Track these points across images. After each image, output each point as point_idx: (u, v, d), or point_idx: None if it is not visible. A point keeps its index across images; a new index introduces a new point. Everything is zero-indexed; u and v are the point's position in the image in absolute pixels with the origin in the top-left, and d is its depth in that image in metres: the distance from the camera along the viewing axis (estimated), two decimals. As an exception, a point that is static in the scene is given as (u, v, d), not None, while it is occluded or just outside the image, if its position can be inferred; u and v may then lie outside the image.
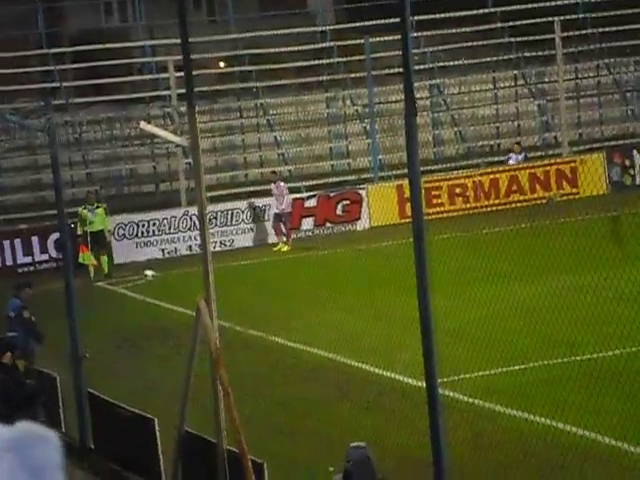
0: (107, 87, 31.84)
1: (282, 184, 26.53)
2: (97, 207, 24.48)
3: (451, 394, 12.08)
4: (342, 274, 21.12)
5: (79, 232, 23.99)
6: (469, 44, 33.99)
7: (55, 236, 23.99)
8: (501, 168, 29.04)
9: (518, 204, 27.95)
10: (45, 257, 25.19)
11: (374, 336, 15.79)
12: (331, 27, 34.96)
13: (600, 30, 34.12)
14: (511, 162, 28.98)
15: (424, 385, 7.78)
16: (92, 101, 31.35)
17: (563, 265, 18.80)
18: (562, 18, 30.73)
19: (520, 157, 29.16)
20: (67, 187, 27.36)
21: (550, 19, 30.74)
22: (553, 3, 34.27)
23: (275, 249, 25.57)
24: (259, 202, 26.90)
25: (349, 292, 19.02)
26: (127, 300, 21.58)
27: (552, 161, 29.39)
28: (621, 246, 14.87)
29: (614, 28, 34.19)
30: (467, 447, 10.87)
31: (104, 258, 24.20)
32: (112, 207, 26.10)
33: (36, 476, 1.27)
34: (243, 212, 26.83)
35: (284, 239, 25.85)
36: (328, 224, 27.15)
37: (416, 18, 31.67)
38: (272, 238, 26.50)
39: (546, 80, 33.88)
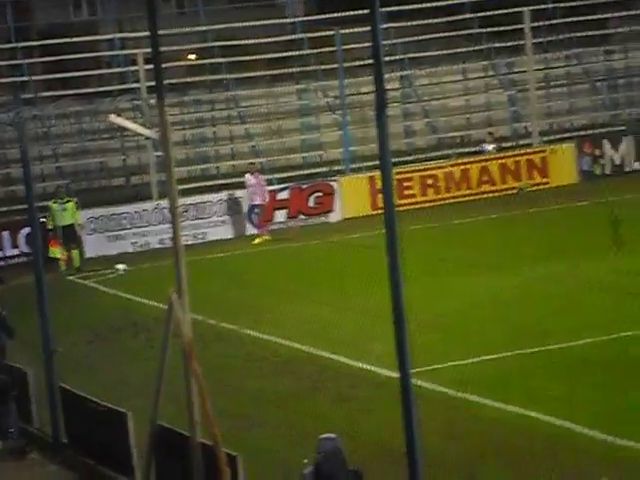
0: (76, 80, 31.66)
1: (260, 176, 26.53)
2: (67, 201, 24.35)
3: (424, 384, 12.10)
4: (315, 266, 21.12)
5: (49, 226, 23.86)
6: (439, 35, 34.04)
7: (26, 231, 23.84)
8: (472, 159, 29.13)
9: (489, 194, 28.06)
10: (16, 252, 25.04)
11: (347, 328, 15.81)
12: (301, 19, 34.92)
13: (569, 20, 34.26)
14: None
15: (397, 376, 7.78)
16: (61, 95, 31.15)
17: (534, 255, 18.89)
18: (531, 8, 30.82)
19: (490, 147, 29.28)
20: (37, 181, 27.22)
21: (519, 9, 30.83)
22: (522, -7, 34.38)
23: (257, 241, 25.49)
24: (236, 194, 26.81)
25: (322, 284, 19.03)
26: (99, 294, 21.49)
27: (522, 151, 29.51)
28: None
29: (583, 18, 34.34)
30: (440, 437, 10.90)
31: (75, 252, 24.09)
32: (83, 201, 25.96)
33: None
34: (215, 205, 26.77)
35: (266, 231, 25.84)
36: (301, 216, 27.14)
37: (386, 9, 31.67)
38: (247, 230, 26.44)
39: (516, 70, 33.99)
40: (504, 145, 30.44)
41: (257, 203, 26.04)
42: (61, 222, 24.01)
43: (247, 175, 26.38)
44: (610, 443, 10.60)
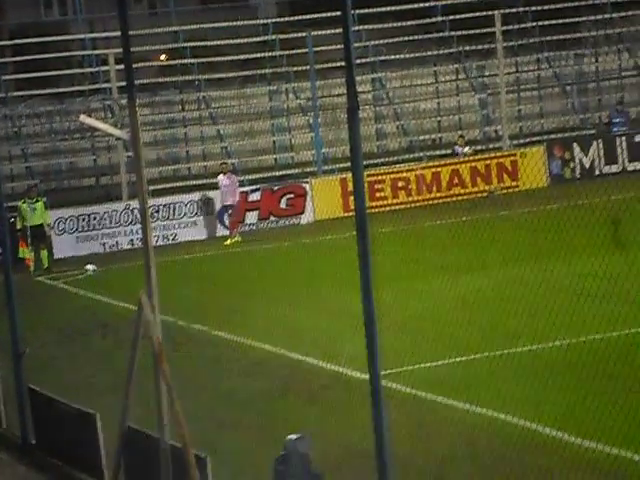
0: (47, 80, 31.49)
1: (234, 176, 26.52)
2: (36, 201, 24.23)
3: (394, 386, 12.13)
4: (286, 268, 21.12)
5: (18, 226, 23.72)
6: (410, 38, 34.14)
7: (-6, 231, 23.66)
8: (443, 162, 29.23)
9: (460, 197, 28.17)
10: (-16, 252, 24.85)
11: (318, 329, 15.82)
12: (273, 20, 34.91)
13: (540, 23, 34.46)
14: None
15: (367, 377, 7.80)
16: (32, 94, 30.98)
17: (504, 257, 18.98)
18: (502, 12, 30.98)
19: (465, 149, 29.36)
20: (6, 181, 27.05)
21: (490, 13, 30.98)
22: (494, -3, 34.53)
23: (228, 242, 25.49)
24: (209, 195, 26.77)
25: (293, 286, 19.03)
26: (68, 295, 21.39)
27: (493, 155, 29.64)
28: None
29: (554, 21, 34.54)
30: (410, 439, 10.93)
31: (44, 252, 23.97)
32: (52, 201, 25.85)
33: None
34: (186, 205, 26.71)
35: (237, 232, 25.84)
36: (272, 218, 27.13)
37: (357, 12, 31.74)
38: (217, 232, 26.42)
39: (487, 74, 34.15)
40: (474, 148, 30.56)
41: (229, 204, 26.03)
42: (30, 222, 23.89)
43: (220, 176, 26.35)
44: (578, 445, 10.67)
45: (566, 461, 10.44)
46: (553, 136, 32.40)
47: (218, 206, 26.47)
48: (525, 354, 13.64)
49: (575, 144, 30.04)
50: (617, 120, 31.10)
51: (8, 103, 30.02)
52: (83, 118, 11.80)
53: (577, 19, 35.45)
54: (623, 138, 30.22)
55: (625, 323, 14.04)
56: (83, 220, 25.78)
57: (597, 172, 29.81)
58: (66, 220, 25.57)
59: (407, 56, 33.85)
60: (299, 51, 31.82)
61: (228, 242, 25.49)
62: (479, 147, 31.17)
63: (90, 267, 23.29)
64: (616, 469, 10.22)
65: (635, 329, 13.86)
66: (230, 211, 26.02)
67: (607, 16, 35.05)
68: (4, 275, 12.56)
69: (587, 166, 29.79)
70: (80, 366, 15.43)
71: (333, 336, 15.27)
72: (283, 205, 27.27)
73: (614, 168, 29.85)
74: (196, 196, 26.87)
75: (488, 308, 16.12)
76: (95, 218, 25.87)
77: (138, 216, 23.29)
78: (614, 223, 15.00)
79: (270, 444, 10.81)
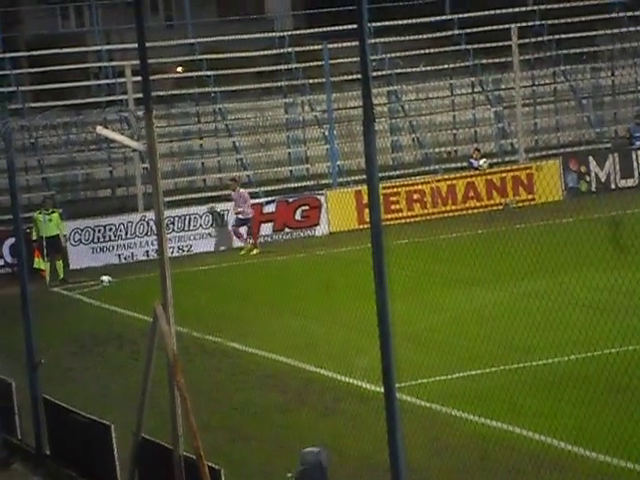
0: (64, 92, 31.63)
1: (242, 190, 26.58)
2: (52, 212, 24.32)
3: (409, 399, 12.11)
4: (301, 280, 21.13)
5: (34, 237, 23.81)
6: (427, 51, 34.16)
7: (10, 241, 23.78)
8: (458, 175, 29.21)
9: (475, 210, 28.12)
10: (0, 262, 24.97)
11: (333, 342, 15.80)
12: (289, 33, 34.99)
13: (556, 37, 34.43)
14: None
15: (382, 390, 7.79)
16: (48, 106, 31.10)
17: (520, 271, 18.93)
18: (518, 25, 30.97)
19: (480, 162, 29.31)
20: (23, 192, 27.16)
21: (507, 26, 30.97)
22: (510, 10, 34.53)
23: (242, 253, 25.58)
24: (219, 207, 26.84)
25: (308, 298, 19.02)
26: (83, 306, 21.43)
27: (508, 167, 29.60)
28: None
29: (570, 35, 34.52)
30: (424, 452, 10.90)
31: (59, 263, 24.04)
32: (68, 212, 25.93)
33: None
34: (201, 217, 26.76)
35: (250, 242, 25.89)
36: (287, 229, 27.15)
37: (374, 25, 31.78)
38: (231, 243, 26.48)
39: (503, 87, 34.12)
40: (490, 161, 30.54)
41: (240, 217, 26.09)
42: (46, 233, 23.97)
43: (232, 192, 26.60)
44: (593, 459, 10.62)
45: (581, 475, 10.39)
46: (569, 149, 32.34)
47: (231, 219, 26.54)
48: (540, 367, 13.59)
49: (591, 158, 29.98)
50: (638, 134, 31.03)
51: (25, 114, 30.14)
52: (100, 130, 11.84)
53: (593, 33, 35.41)
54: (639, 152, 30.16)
55: (641, 337, 13.98)
56: (99, 231, 25.86)
57: (613, 186, 29.73)
58: (82, 231, 25.65)
59: (423, 69, 33.86)
60: (315, 63, 31.87)
61: (255, 251, 25.60)
62: (495, 160, 31.13)
63: (105, 278, 23.34)
64: (632, 484, 10.17)
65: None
66: (249, 224, 26.16)
67: (623, 30, 35.00)
68: (20, 286, 12.60)
69: (603, 180, 29.72)
70: (95, 377, 15.46)
71: (348, 348, 15.25)
72: (298, 217, 27.29)
73: (630, 182, 29.77)
74: (213, 207, 26.90)
75: (503, 321, 16.07)
76: (111, 229, 25.94)
77: (154, 227, 23.34)
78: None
79: (284, 456, 10.80)
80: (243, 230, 26.22)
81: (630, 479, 10.22)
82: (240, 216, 26.11)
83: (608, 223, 15.81)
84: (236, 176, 28.36)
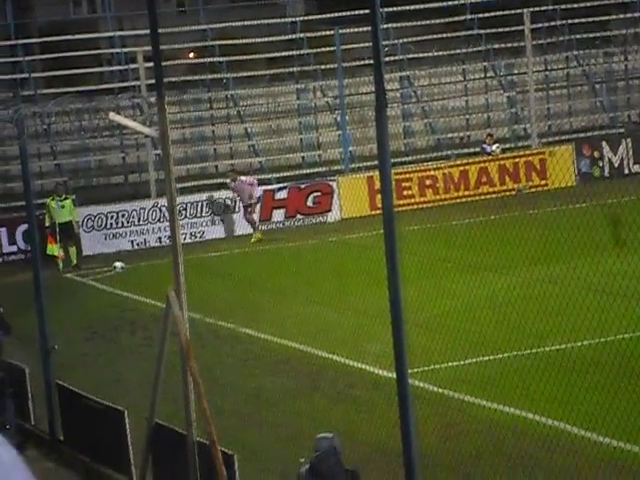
0: (76, 78, 31.65)
1: (243, 178, 26.20)
2: (65, 198, 24.36)
3: (422, 385, 12.11)
4: (313, 266, 21.12)
5: (47, 223, 23.86)
6: (439, 36, 34.05)
7: (23, 228, 23.84)
8: (471, 160, 29.13)
9: (487, 196, 28.05)
10: (13, 249, 25.04)
11: (345, 327, 15.81)
12: (301, 18, 34.90)
13: (569, 22, 34.27)
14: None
15: (395, 376, 7.78)
16: (61, 92, 31.13)
17: (533, 256, 18.90)
18: (531, 10, 30.83)
19: (493, 148, 29.22)
20: (35, 178, 27.21)
21: (519, 11, 30.83)
22: (522, -5, 34.37)
23: (253, 240, 25.54)
24: (221, 195, 26.74)
25: (320, 284, 19.03)
26: (96, 292, 21.48)
27: (521, 153, 29.51)
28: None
29: (583, 20, 34.35)
30: (437, 437, 10.91)
31: (72, 249, 24.09)
32: (81, 198, 25.96)
33: None
34: (213, 203, 26.76)
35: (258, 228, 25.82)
36: (299, 216, 27.13)
37: (386, 10, 31.68)
38: (244, 229, 26.47)
39: (515, 72, 33.99)
40: (502, 147, 30.45)
41: (244, 204, 25.83)
42: (59, 219, 24.02)
43: (232, 183, 26.11)
44: (606, 445, 10.61)
45: (594, 460, 10.38)
46: (582, 135, 32.22)
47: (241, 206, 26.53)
48: (553, 353, 13.58)
49: (604, 143, 29.86)
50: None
51: (37, 101, 30.16)
52: (112, 116, 11.84)
53: (606, 17, 35.23)
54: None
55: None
56: (111, 218, 25.89)
57: (626, 171, 29.61)
58: (95, 217, 25.68)
59: (435, 54, 33.75)
60: (327, 49, 31.80)
61: (252, 239, 25.53)
62: (507, 145, 31.04)
63: (118, 264, 23.38)
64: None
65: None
66: (250, 209, 26.02)
67: (637, 14, 34.81)
68: (33, 272, 12.63)
69: (616, 165, 29.60)
70: (108, 362, 15.50)
71: (360, 334, 15.26)
72: (310, 203, 27.27)
73: (643, 167, 29.67)
74: (223, 194, 26.87)
75: (516, 307, 16.06)
76: (123, 215, 25.97)
77: (166, 214, 23.37)
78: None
79: (297, 442, 10.82)
80: (255, 217, 26.17)
81: (643, 465, 10.21)
82: (243, 204, 25.83)
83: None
84: (235, 166, 28.19)
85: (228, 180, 26.45)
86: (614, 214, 15.05)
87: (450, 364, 13.56)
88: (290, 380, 13.90)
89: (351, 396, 12.84)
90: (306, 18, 35.24)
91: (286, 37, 33.88)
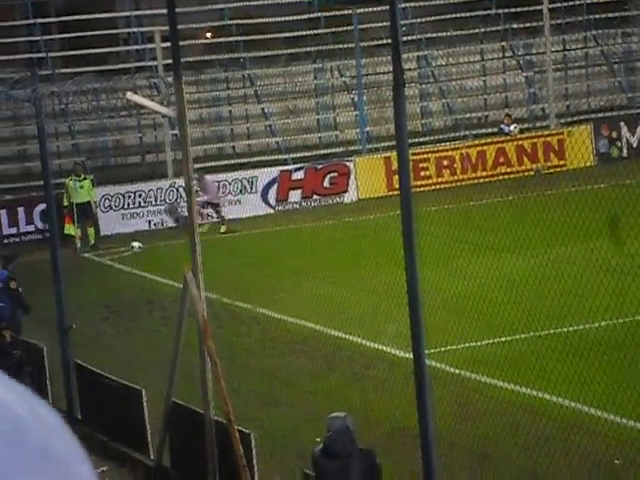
0: (93, 58, 31.66)
1: (208, 177, 25.18)
2: (84, 179, 24.40)
3: (438, 365, 12.11)
4: (330, 246, 21.12)
5: (65, 203, 23.91)
6: (457, 15, 33.87)
7: (41, 207, 23.90)
8: (489, 140, 29.02)
9: (505, 176, 27.96)
10: (31, 228, 25.12)
11: (362, 308, 15.82)
12: (319, -2, 34.76)
13: (587, 1, 34.03)
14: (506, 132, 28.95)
15: (411, 356, 7.79)
16: (78, 72, 31.15)
17: (550, 237, 18.84)
18: (550, -11, 30.63)
19: (511, 128, 29.08)
20: (53, 158, 27.27)
21: (538, -10, 30.64)
22: (541, -26, 34.14)
23: (203, 230, 23.99)
24: (254, 173, 26.57)
25: (337, 265, 19.03)
26: (114, 272, 21.55)
27: (539, 133, 29.39)
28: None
29: None
30: (454, 418, 10.92)
31: (91, 229, 24.16)
32: (98, 178, 26.01)
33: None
34: (230, 184, 26.76)
35: (214, 220, 24.55)
36: (315, 196, 27.10)
37: (404, -11, 31.53)
38: (261, 210, 26.45)
39: (534, 52, 33.81)
40: (520, 127, 30.33)
41: (205, 199, 24.52)
42: (77, 199, 24.07)
43: (195, 181, 25.02)
44: (623, 426, 10.60)
45: (611, 441, 10.37)
46: (600, 115, 32.05)
47: (261, 184, 26.39)
48: (571, 334, 13.55)
49: (622, 123, 29.69)
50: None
51: (55, 80, 30.19)
52: (130, 95, 11.86)
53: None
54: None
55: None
56: (129, 197, 25.92)
57: (645, 151, 29.46)
58: (112, 197, 25.72)
59: (453, 34, 33.60)
60: (345, 28, 31.70)
61: (223, 229, 24.43)
62: (526, 125, 30.91)
63: (136, 244, 23.44)
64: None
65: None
66: (218, 208, 24.77)
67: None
68: (51, 251, 12.68)
69: (635, 145, 29.45)
70: (126, 342, 15.56)
71: (377, 315, 15.27)
72: (327, 184, 27.23)
73: (662, 147, 29.51)
74: (240, 174, 26.82)
75: (534, 288, 16.03)
76: (141, 195, 26.00)
77: (183, 194, 23.35)
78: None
79: (314, 422, 10.85)
80: (209, 211, 24.91)
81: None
82: (207, 199, 24.68)
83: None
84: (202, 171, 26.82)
85: (194, 182, 24.92)
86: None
87: (467, 345, 13.56)
88: (307, 360, 13.92)
89: (367, 376, 12.85)
90: (323, -3, 35.08)
91: (304, 16, 33.77)
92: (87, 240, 24.00)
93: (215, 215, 25.41)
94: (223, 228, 24.96)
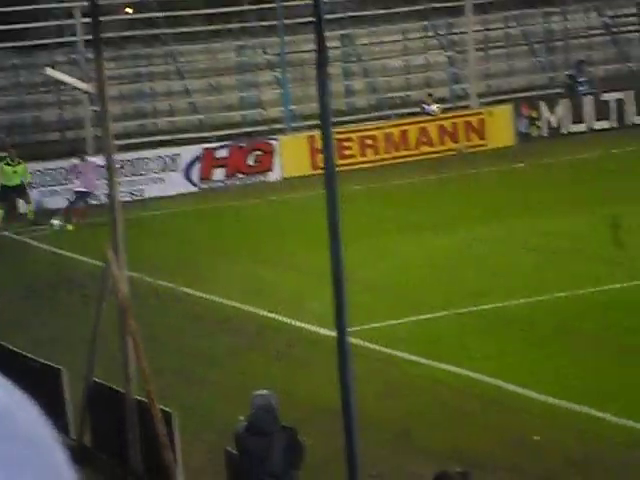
0: (12, 33, 31.06)
1: (91, 160, 23.82)
2: (18, 163, 24.23)
3: (361, 343, 12.19)
4: (254, 225, 21.10)
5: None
6: (380, -6, 33.93)
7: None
8: (411, 120, 29.18)
9: (428, 155, 28.16)
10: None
11: (285, 287, 15.85)
12: (242, -26, 34.55)
13: (509, -18, 34.34)
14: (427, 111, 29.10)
15: (334, 334, 7.82)
16: (-4, 47, 30.56)
17: (471, 216, 19.04)
18: (472, -31, 30.84)
19: (433, 107, 29.25)
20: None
21: (460, -30, 30.83)
22: (463, -46, 34.34)
23: (70, 228, 22.87)
24: (176, 151, 26.47)
25: (262, 243, 19.02)
26: (33, 250, 21.26)
27: (460, 113, 29.63)
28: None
29: (523, -20, 34.45)
30: (377, 395, 11.00)
31: (29, 207, 23.96)
32: (17, 155, 25.57)
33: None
34: (152, 161, 26.53)
35: (72, 219, 23.15)
36: (239, 175, 27.02)
37: (327, -33, 31.47)
38: (184, 188, 26.25)
39: (455, 31, 34.04)
40: (442, 106, 30.53)
41: (82, 190, 23.44)
42: (9, 182, 23.98)
43: (77, 160, 23.92)
44: (541, 402, 10.79)
45: (530, 417, 10.55)
46: (521, 95, 32.41)
47: (184, 162, 26.27)
48: (490, 311, 13.73)
49: (542, 103, 30.08)
50: (581, 79, 31.18)
51: (-28, 56, 29.61)
52: (50, 71, 11.68)
53: (546, -23, 35.37)
54: (590, 97, 30.33)
55: (591, 281, 14.16)
56: (48, 175, 25.56)
57: (564, 131, 29.89)
58: (32, 175, 25.34)
59: (376, 12, 33.66)
60: (268, 5, 31.56)
61: (70, 227, 22.86)
62: (447, 105, 31.13)
63: (56, 222, 23.12)
64: (578, 424, 10.35)
65: (601, 287, 13.98)
66: (87, 198, 23.31)
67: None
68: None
69: (554, 125, 29.87)
70: (46, 321, 15.38)
71: (300, 293, 15.30)
72: (251, 162, 27.15)
73: (581, 127, 29.96)
74: (162, 152, 26.59)
75: (454, 266, 16.20)
76: (61, 173, 25.65)
77: (104, 172, 23.07)
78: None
79: (237, 400, 10.85)
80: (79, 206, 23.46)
81: (576, 419, 10.40)
82: (82, 189, 23.42)
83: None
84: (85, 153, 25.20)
85: (76, 161, 23.93)
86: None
87: (389, 322, 13.67)
88: (231, 339, 13.91)
89: (291, 355, 12.89)
90: (246, -26, 34.88)
91: (226, -7, 33.52)
92: (26, 218, 23.64)
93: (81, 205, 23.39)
94: (70, 226, 22.95)
